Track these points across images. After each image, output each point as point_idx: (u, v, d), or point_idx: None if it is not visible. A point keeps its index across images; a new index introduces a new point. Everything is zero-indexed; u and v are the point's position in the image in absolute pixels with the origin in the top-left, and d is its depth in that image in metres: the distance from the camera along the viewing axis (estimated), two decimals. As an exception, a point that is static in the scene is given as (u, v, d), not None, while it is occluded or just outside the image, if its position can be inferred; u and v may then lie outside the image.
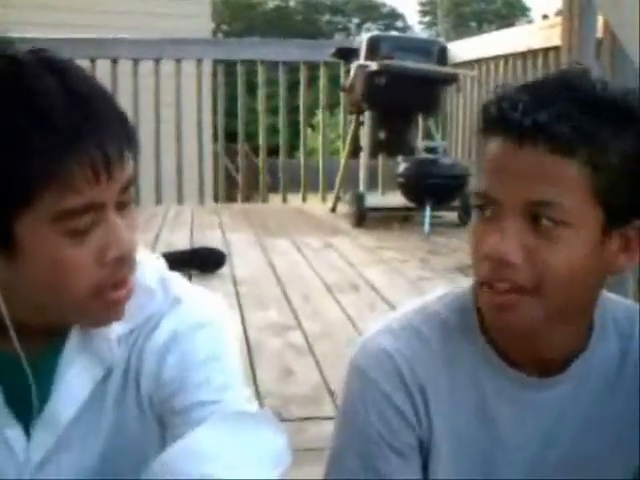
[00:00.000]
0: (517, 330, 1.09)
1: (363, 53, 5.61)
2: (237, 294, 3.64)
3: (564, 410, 1.15)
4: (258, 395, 2.46)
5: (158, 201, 6.53)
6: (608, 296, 1.20)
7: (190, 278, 3.66)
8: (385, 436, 1.13)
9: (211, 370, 1.11)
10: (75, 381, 1.10)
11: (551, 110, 1.00)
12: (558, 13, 5.60)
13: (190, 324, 1.12)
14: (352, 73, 5.74)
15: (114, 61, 6.36)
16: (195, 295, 1.17)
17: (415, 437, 1.14)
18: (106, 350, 1.10)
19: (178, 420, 1.09)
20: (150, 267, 1.16)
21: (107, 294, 1.02)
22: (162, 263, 1.19)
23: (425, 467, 1.16)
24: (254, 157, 8.70)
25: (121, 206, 1.01)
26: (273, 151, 7.26)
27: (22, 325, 1.06)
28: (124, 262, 1.02)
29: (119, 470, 1.13)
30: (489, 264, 1.04)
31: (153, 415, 1.14)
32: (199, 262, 3.97)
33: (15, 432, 1.11)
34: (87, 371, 1.11)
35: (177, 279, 1.18)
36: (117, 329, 1.10)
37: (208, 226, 5.51)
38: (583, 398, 1.15)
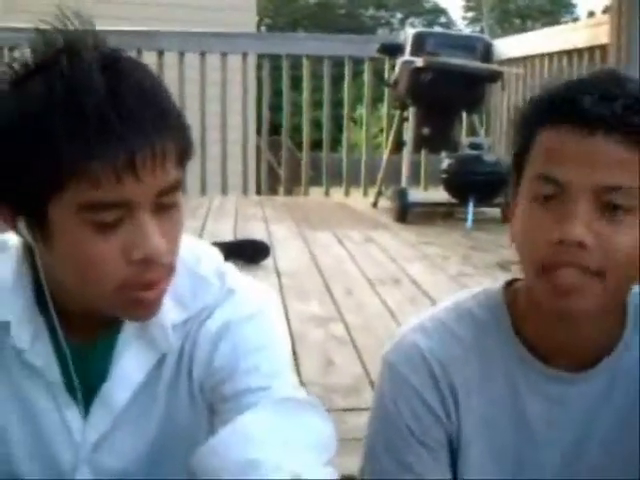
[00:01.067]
0: (578, 315, 1.10)
1: (408, 49, 5.62)
2: (280, 286, 3.69)
3: (597, 406, 1.17)
4: (302, 384, 2.50)
5: (203, 191, 6.60)
6: (637, 290, 1.21)
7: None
8: (415, 431, 1.17)
9: (261, 358, 1.14)
10: (131, 365, 1.15)
11: (622, 101, 1.04)
12: (605, 10, 5.58)
13: (242, 314, 1.16)
14: (397, 69, 5.75)
15: (160, 53, 6.43)
16: (247, 286, 1.21)
17: (445, 434, 1.17)
18: (161, 337, 1.14)
19: (227, 406, 1.13)
20: (207, 257, 1.20)
21: (133, 293, 1.04)
22: (218, 253, 1.23)
23: (454, 464, 1.19)
24: (297, 151, 8.75)
25: (161, 208, 1.02)
26: (316, 145, 7.30)
27: (73, 313, 1.11)
28: (151, 264, 1.02)
29: (170, 456, 1.18)
30: (560, 248, 1.05)
31: (204, 403, 1.18)
32: (244, 253, 4.02)
33: (73, 413, 1.16)
34: (142, 356, 1.15)
35: (232, 270, 1.22)
36: (172, 317, 1.14)
37: (251, 218, 5.57)
38: (616, 394, 1.16)
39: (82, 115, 0.95)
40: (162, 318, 1.13)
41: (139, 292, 1.04)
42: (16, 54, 1.03)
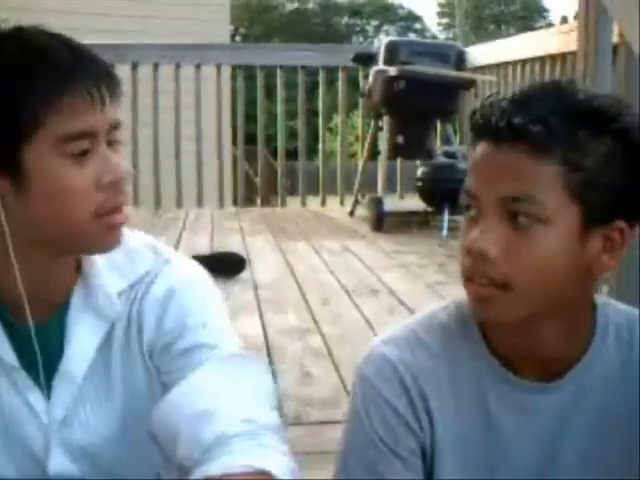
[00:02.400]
0: (498, 325, 1.14)
1: (382, 58, 5.64)
2: (257, 298, 3.69)
3: (567, 415, 1.18)
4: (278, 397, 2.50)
5: (179, 204, 6.59)
6: (610, 302, 1.23)
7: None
8: (388, 442, 1.17)
9: (206, 317, 1.23)
10: (83, 338, 1.21)
11: (527, 113, 1.06)
12: (575, 16, 5.61)
13: (184, 279, 1.25)
14: (371, 78, 5.77)
15: (134, 66, 6.42)
16: (179, 256, 1.31)
17: (417, 443, 1.18)
18: (108, 306, 1.21)
19: (179, 363, 1.20)
20: (135, 235, 1.29)
21: (106, 218, 1.13)
22: (143, 234, 1.32)
23: (429, 473, 1.19)
24: (273, 160, 8.75)
25: (112, 144, 1.14)
26: (292, 154, 7.30)
27: (26, 291, 1.15)
28: (118, 187, 1.13)
29: (137, 425, 1.20)
30: (469, 258, 1.09)
31: (153, 367, 1.23)
32: (220, 267, 4.01)
33: (35, 395, 1.21)
34: (93, 327, 1.21)
35: (160, 243, 1.31)
36: (116, 285, 1.22)
37: (228, 230, 5.56)
38: (585, 403, 1.18)
39: (47, 57, 1.09)
40: (105, 287, 1.21)
41: (111, 216, 1.14)
42: None
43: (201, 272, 1.29)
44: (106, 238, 1.16)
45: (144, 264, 1.25)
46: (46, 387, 1.21)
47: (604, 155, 1.07)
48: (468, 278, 1.10)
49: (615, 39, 2.93)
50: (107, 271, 1.22)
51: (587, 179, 1.06)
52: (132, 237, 1.27)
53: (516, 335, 1.15)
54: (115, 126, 1.14)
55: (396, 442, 1.17)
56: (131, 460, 1.24)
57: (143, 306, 1.23)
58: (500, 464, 1.19)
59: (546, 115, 1.06)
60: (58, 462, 1.22)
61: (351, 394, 1.24)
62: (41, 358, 1.19)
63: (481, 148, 1.10)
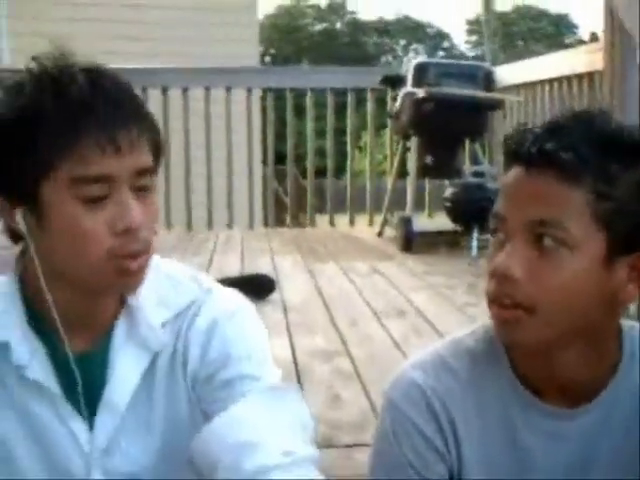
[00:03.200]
0: (523, 348, 1.16)
1: (410, 80, 5.67)
2: (287, 320, 3.71)
3: (595, 439, 1.19)
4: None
5: (209, 225, 6.64)
6: (637, 326, 1.24)
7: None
8: (417, 467, 1.19)
9: (250, 348, 1.27)
10: (127, 368, 1.23)
11: (559, 140, 1.09)
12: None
13: (227, 310, 1.28)
14: (399, 100, 5.80)
15: (164, 90, 6.50)
16: (220, 286, 1.34)
17: (446, 468, 1.20)
18: (151, 337, 1.24)
19: (223, 393, 1.22)
20: (179, 267, 1.34)
21: (119, 262, 1.14)
22: (186, 266, 1.36)
23: None
24: (302, 179, 8.79)
25: (139, 189, 1.15)
26: (321, 173, 7.34)
27: (67, 320, 1.19)
28: (133, 235, 1.14)
29: (178, 455, 1.23)
30: (495, 280, 1.11)
31: (195, 397, 1.25)
32: (250, 289, 4.03)
33: (78, 424, 1.23)
34: (136, 358, 1.24)
35: (202, 274, 1.34)
36: (160, 316, 1.25)
37: (258, 251, 5.59)
38: (613, 426, 1.19)
39: (68, 102, 1.11)
40: (149, 319, 1.24)
41: (124, 261, 1.15)
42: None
43: (244, 302, 1.32)
44: (119, 282, 1.18)
45: (188, 295, 1.27)
46: (88, 416, 1.23)
47: (634, 186, 1.10)
48: (493, 300, 1.12)
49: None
50: (151, 302, 1.25)
51: (615, 209, 1.09)
52: (174, 267, 1.31)
53: (541, 360, 1.16)
54: (141, 172, 1.15)
55: (425, 467, 1.19)
56: None
57: (188, 338, 1.25)
58: None
59: (577, 143, 1.08)
60: None
61: (379, 419, 1.26)
62: (83, 387, 1.21)
63: (512, 173, 1.12)
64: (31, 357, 1.20)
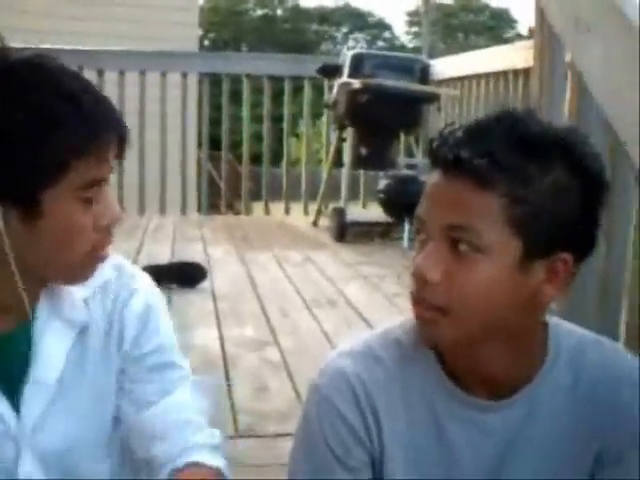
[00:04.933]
0: (440, 346, 1.18)
1: (347, 70, 5.69)
2: (216, 310, 3.70)
3: (517, 434, 1.21)
4: (233, 410, 2.52)
5: (141, 211, 6.57)
6: (563, 323, 1.27)
7: (170, 292, 3.72)
8: (338, 453, 1.21)
9: (173, 338, 1.39)
10: (52, 346, 1.26)
11: (475, 146, 1.09)
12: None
13: (156, 298, 1.38)
14: (335, 90, 5.81)
15: (100, 72, 6.40)
16: (139, 270, 1.41)
17: (367, 455, 1.22)
18: (74, 312, 1.29)
19: (156, 376, 1.33)
20: None
21: (97, 254, 1.23)
22: None
23: None
24: (238, 165, 8.75)
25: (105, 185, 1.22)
26: (256, 159, 7.32)
27: None
28: (111, 228, 1.22)
29: (101, 439, 1.31)
30: (415, 281, 1.13)
31: (122, 373, 1.32)
32: (180, 276, 4.02)
33: (4, 406, 1.24)
34: (61, 334, 1.27)
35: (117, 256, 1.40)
36: (80, 293, 1.30)
37: (190, 238, 5.56)
38: (535, 423, 1.21)
39: (81, 110, 1.13)
40: (71, 296, 1.29)
41: (100, 254, 1.23)
42: None
43: (160, 293, 1.41)
44: (88, 270, 1.25)
45: (103, 274, 1.31)
46: (15, 395, 1.24)
47: (553, 188, 1.09)
48: (413, 300, 1.14)
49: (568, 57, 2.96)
50: None
51: (531, 212, 1.09)
52: None
53: (463, 354, 1.18)
54: (112, 169, 1.22)
55: (346, 453, 1.21)
56: (93, 462, 1.31)
57: (124, 318, 1.32)
58: (451, 476, 1.22)
59: (493, 148, 1.09)
60: (27, 470, 1.25)
61: (304, 404, 1.27)
62: (7, 368, 1.23)
63: (433, 176, 1.14)
64: None
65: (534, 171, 1.09)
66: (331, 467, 1.21)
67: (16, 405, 1.24)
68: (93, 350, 1.29)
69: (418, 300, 1.13)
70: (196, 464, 1.29)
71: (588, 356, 1.23)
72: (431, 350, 1.22)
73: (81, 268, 1.23)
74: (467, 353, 1.18)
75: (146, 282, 1.38)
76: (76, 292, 1.29)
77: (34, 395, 1.24)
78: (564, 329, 1.25)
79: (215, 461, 1.31)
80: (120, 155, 1.20)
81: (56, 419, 1.26)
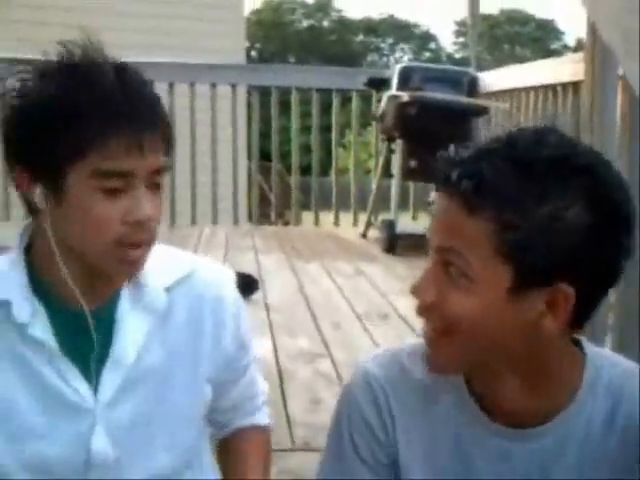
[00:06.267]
0: (437, 370, 1.17)
1: (395, 83, 5.70)
2: (269, 321, 3.74)
3: (544, 465, 1.17)
4: (288, 423, 2.55)
5: (193, 221, 6.65)
6: (611, 357, 1.23)
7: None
8: (361, 452, 1.23)
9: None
10: (133, 329, 1.33)
11: (466, 166, 1.06)
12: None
13: (237, 294, 1.46)
14: (383, 102, 5.83)
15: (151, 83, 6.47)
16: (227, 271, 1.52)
17: (388, 458, 1.23)
18: (157, 300, 1.35)
19: (235, 363, 1.46)
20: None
21: (124, 250, 1.24)
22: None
23: None
24: (287, 176, 8.81)
25: (152, 187, 1.25)
26: (306, 170, 7.36)
27: (76, 285, 1.28)
28: (142, 227, 1.24)
29: (173, 408, 1.37)
30: (418, 302, 1.13)
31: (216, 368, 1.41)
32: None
33: (80, 380, 1.31)
34: (141, 319, 1.34)
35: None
36: (162, 282, 1.36)
37: (242, 248, 5.60)
38: (568, 455, 1.17)
39: (101, 98, 1.19)
40: (153, 283, 1.35)
41: (128, 250, 1.25)
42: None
43: None
44: (120, 267, 1.28)
45: (186, 265, 1.40)
46: (93, 372, 1.31)
47: (552, 216, 1.03)
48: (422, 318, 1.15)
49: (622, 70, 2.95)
50: (153, 271, 1.34)
51: (524, 241, 1.03)
52: (170, 248, 1.44)
53: (483, 385, 1.18)
54: (156, 171, 1.25)
55: (369, 452, 1.23)
56: (170, 437, 1.38)
57: (221, 320, 1.40)
58: None
59: (483, 170, 1.04)
60: (100, 443, 1.31)
61: (337, 403, 1.30)
62: (88, 346, 1.30)
63: (437, 196, 1.11)
64: (32, 317, 1.28)
65: (529, 197, 1.03)
66: (353, 464, 1.24)
67: (94, 382, 1.31)
68: (172, 337, 1.36)
69: (423, 319, 1.14)
70: (257, 426, 1.55)
71: (627, 389, 1.18)
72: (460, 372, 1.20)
73: (110, 260, 1.25)
74: (486, 382, 1.17)
75: (232, 279, 1.46)
76: (158, 279, 1.35)
77: (112, 373, 1.32)
78: (608, 360, 1.21)
79: (266, 420, 1.58)
80: (142, 150, 1.21)
81: (130, 398, 1.33)
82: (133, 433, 1.34)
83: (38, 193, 1.24)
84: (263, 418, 1.58)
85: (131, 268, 1.28)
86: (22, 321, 1.27)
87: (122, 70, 1.24)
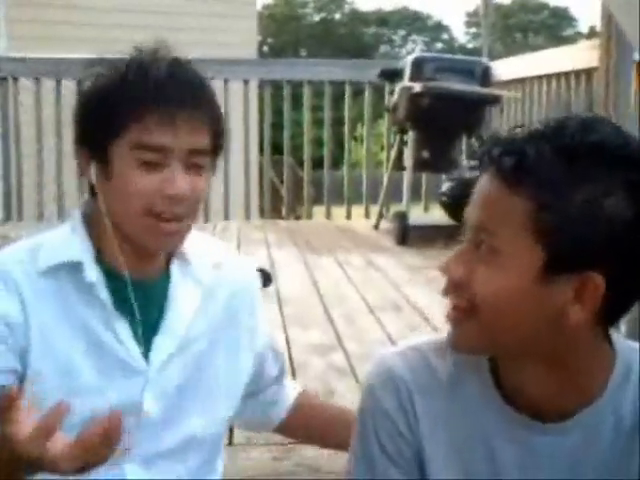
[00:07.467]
0: (461, 352, 1.16)
1: (407, 74, 5.68)
2: (282, 313, 3.74)
3: (576, 458, 1.15)
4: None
5: (205, 216, 6.64)
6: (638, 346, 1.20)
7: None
8: (387, 449, 1.21)
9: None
10: (183, 300, 1.44)
11: (508, 144, 1.06)
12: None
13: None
14: (396, 93, 5.81)
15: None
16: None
17: (413, 454, 1.21)
18: (204, 274, 1.46)
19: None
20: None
21: (155, 222, 1.34)
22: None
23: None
24: (299, 169, 8.80)
25: (192, 167, 1.34)
26: (317, 163, 7.36)
27: (128, 257, 1.38)
28: (174, 201, 1.33)
29: (212, 372, 1.49)
30: (446, 280, 1.12)
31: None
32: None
33: (136, 348, 1.40)
34: (191, 292, 1.45)
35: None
36: (211, 258, 1.48)
37: (255, 242, 5.61)
38: (598, 449, 1.15)
39: (145, 80, 1.32)
40: (202, 259, 1.46)
41: (159, 222, 1.34)
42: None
43: None
44: (152, 239, 1.36)
45: (223, 250, 1.55)
46: (145, 339, 1.41)
47: (591, 203, 1.02)
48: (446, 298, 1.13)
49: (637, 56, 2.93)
50: (198, 250, 1.46)
51: (559, 223, 1.03)
52: (205, 235, 1.56)
53: (509, 374, 1.16)
54: (193, 151, 1.34)
55: (395, 449, 1.20)
56: (211, 402, 1.49)
57: (256, 315, 1.56)
58: None
59: (525, 149, 1.04)
60: (150, 404, 1.41)
61: (360, 399, 1.27)
62: (142, 313, 1.40)
63: (480, 177, 1.11)
64: (98, 278, 1.38)
65: (568, 179, 1.02)
66: (382, 462, 1.21)
67: (146, 349, 1.41)
68: (217, 311, 1.48)
69: (448, 298, 1.12)
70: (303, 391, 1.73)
71: None
72: (486, 363, 1.18)
73: (141, 231, 1.35)
74: (512, 372, 1.15)
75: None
76: (207, 256, 1.48)
77: (163, 342, 1.42)
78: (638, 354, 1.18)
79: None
80: (176, 129, 1.30)
81: (178, 364, 1.43)
82: (175, 398, 1.43)
83: (92, 171, 1.36)
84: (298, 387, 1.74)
85: (167, 240, 1.37)
86: (91, 280, 1.36)
87: (174, 60, 1.36)
